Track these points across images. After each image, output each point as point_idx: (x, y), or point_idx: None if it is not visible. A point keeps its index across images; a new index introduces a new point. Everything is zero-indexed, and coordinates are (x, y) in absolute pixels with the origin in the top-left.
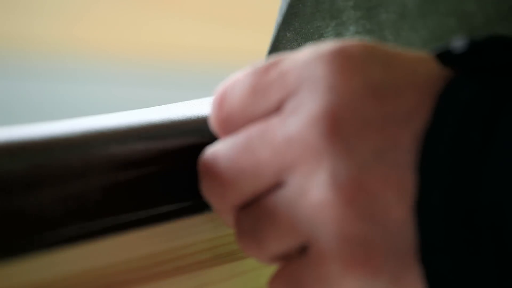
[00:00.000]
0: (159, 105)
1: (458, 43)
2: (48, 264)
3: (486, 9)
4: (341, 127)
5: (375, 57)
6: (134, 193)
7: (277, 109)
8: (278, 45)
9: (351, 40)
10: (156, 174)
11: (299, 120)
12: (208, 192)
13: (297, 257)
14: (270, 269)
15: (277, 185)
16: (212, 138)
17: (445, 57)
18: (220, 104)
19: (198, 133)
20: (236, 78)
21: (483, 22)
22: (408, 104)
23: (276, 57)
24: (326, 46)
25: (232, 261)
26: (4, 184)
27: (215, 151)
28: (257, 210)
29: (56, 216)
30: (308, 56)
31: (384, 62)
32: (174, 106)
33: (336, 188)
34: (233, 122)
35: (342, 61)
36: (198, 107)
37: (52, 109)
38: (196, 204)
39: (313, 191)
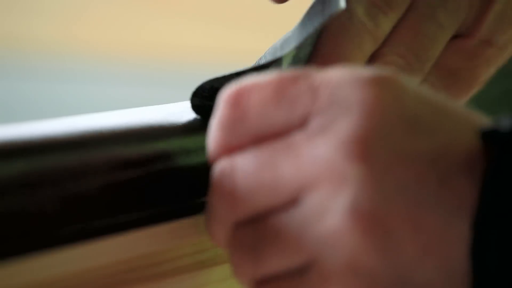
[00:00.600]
0: (159, 105)
1: (505, 121)
2: (48, 264)
3: None
4: (371, 154)
5: (413, 89)
6: (134, 193)
7: (301, 123)
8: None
9: (389, 70)
10: (156, 174)
11: (329, 140)
12: (217, 201)
13: (294, 274)
14: None
15: (292, 202)
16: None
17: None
18: (236, 103)
19: (198, 132)
20: (256, 82)
21: None
22: (438, 144)
23: (304, 69)
24: (363, 71)
25: None
26: (4, 184)
27: (234, 161)
28: (262, 226)
29: (56, 216)
30: (343, 76)
31: (420, 96)
32: (173, 106)
33: (355, 217)
34: (247, 125)
35: (381, 89)
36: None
37: (52, 109)
38: (196, 204)
39: (330, 214)
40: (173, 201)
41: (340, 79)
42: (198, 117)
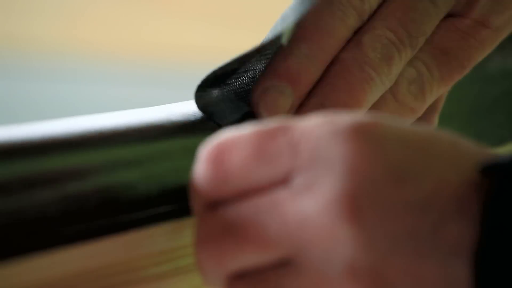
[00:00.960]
0: (159, 105)
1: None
2: (48, 264)
3: None
4: (361, 213)
5: (394, 137)
6: (134, 193)
7: (284, 180)
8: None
9: (368, 116)
10: (156, 174)
11: (315, 201)
12: (202, 256)
13: None
14: None
15: (282, 263)
16: (209, 136)
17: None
18: (217, 162)
19: (198, 132)
20: (235, 136)
21: None
22: (426, 190)
23: (280, 120)
24: (342, 120)
25: None
26: (4, 184)
27: (217, 216)
28: (263, 285)
29: (56, 216)
30: (322, 129)
31: (403, 143)
32: (173, 106)
33: (352, 277)
34: (230, 184)
35: (362, 141)
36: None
37: (52, 109)
38: None
39: (327, 277)
40: (173, 201)
41: (320, 133)
42: (198, 117)
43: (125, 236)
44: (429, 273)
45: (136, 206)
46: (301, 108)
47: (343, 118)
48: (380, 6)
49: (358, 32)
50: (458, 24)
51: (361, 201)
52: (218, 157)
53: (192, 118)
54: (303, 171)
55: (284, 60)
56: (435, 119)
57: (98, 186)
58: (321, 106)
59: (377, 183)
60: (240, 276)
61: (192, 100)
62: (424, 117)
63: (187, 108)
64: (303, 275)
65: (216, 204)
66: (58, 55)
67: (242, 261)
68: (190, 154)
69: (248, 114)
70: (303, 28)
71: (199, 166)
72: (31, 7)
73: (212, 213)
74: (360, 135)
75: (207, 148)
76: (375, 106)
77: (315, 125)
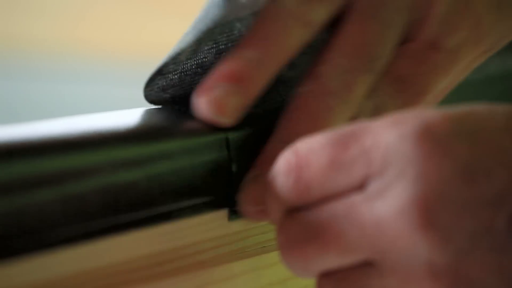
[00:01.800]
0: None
1: None
2: (48, 264)
3: None
4: (434, 216)
5: (462, 131)
6: (134, 193)
7: (359, 185)
8: None
9: (435, 113)
10: (156, 174)
11: (388, 206)
12: (290, 261)
13: None
14: (270, 270)
15: (366, 263)
16: (212, 138)
17: None
18: (297, 174)
19: (198, 132)
20: (310, 148)
21: None
22: (498, 185)
23: (352, 126)
24: (409, 122)
25: (232, 261)
26: (4, 184)
27: (297, 221)
28: (348, 284)
29: (56, 216)
30: (391, 135)
31: (471, 138)
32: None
33: (434, 278)
34: (310, 193)
35: (429, 144)
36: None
37: (52, 109)
38: (196, 205)
39: (409, 278)
40: (173, 201)
41: (389, 139)
42: (197, 117)
43: (126, 236)
44: (509, 265)
45: (136, 206)
46: (265, 146)
47: (410, 120)
48: (334, 31)
49: (316, 63)
50: (411, 49)
51: (433, 204)
52: (298, 167)
53: (192, 119)
54: (376, 177)
55: (228, 63)
56: None
57: (98, 186)
58: (286, 142)
59: (448, 185)
60: (327, 274)
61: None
62: None
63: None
64: (385, 276)
65: (295, 210)
66: (58, 55)
67: (326, 264)
68: (190, 154)
69: None
70: (247, 36)
71: (279, 175)
72: (31, 7)
73: (293, 219)
74: (427, 137)
75: (286, 158)
76: None
77: (384, 130)
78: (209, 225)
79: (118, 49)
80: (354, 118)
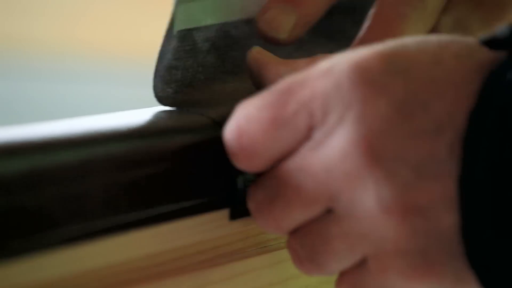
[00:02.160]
0: (159, 105)
1: (502, 29)
2: (48, 264)
3: None
4: (377, 153)
5: (394, 68)
6: (134, 193)
7: (305, 137)
8: None
9: (366, 53)
10: (156, 174)
11: (334, 150)
12: (264, 225)
13: (359, 266)
14: (270, 269)
15: (326, 211)
16: (212, 137)
17: (490, 43)
18: (239, 142)
19: (198, 132)
20: (248, 113)
21: None
22: (436, 116)
23: (286, 82)
24: (341, 65)
25: (232, 261)
26: (4, 184)
27: (260, 187)
28: (310, 237)
29: (56, 216)
30: (326, 82)
31: (404, 73)
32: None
33: (385, 212)
34: (258, 157)
35: (364, 86)
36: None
37: (52, 109)
38: (196, 205)
39: (363, 216)
40: (173, 201)
41: (325, 87)
42: (197, 117)
43: (126, 236)
44: (454, 191)
45: (136, 206)
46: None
47: (342, 65)
48: None
49: None
50: None
51: (375, 142)
52: (238, 137)
53: (190, 118)
54: (320, 126)
55: None
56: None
57: (98, 186)
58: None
59: (387, 122)
60: (294, 232)
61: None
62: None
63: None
64: (342, 220)
65: (259, 176)
66: (58, 55)
67: (294, 219)
68: (190, 154)
69: None
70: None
71: (227, 148)
72: (31, 7)
73: (258, 185)
74: (361, 79)
75: (228, 129)
76: None
77: (319, 80)
78: (209, 225)
79: (118, 49)
80: (433, 31)
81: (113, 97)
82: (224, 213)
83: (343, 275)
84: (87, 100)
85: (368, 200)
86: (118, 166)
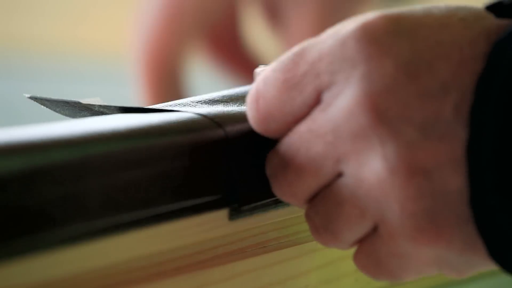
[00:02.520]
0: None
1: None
2: (48, 264)
3: None
4: (382, 112)
5: (400, 30)
6: (134, 193)
7: (316, 100)
8: None
9: (372, 15)
10: (156, 174)
11: (340, 110)
12: (279, 192)
13: (372, 235)
14: (270, 269)
15: (337, 175)
16: (211, 136)
17: (496, 9)
18: (256, 104)
19: (198, 131)
20: (265, 76)
21: None
22: (441, 77)
23: (298, 46)
24: (347, 27)
25: (232, 261)
26: (4, 184)
27: (274, 154)
28: (323, 204)
29: (56, 216)
30: (332, 43)
31: (410, 35)
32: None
33: (391, 172)
34: (273, 120)
35: (370, 45)
36: (194, 106)
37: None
38: (196, 205)
39: (370, 178)
40: (173, 201)
41: (331, 48)
42: (195, 116)
43: (126, 236)
44: (460, 151)
45: (136, 206)
46: None
47: (349, 26)
48: None
49: None
50: None
51: (380, 101)
52: (256, 100)
53: (190, 118)
54: (327, 88)
55: None
56: None
57: (98, 186)
58: None
59: (393, 81)
60: (310, 202)
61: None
62: None
63: (184, 107)
64: (351, 183)
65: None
66: (59, 55)
67: (308, 186)
68: (189, 154)
69: None
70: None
71: (248, 113)
72: (31, 7)
73: (273, 152)
74: (367, 39)
75: (249, 93)
76: None
77: (326, 41)
78: (209, 225)
79: (118, 49)
80: None
81: (113, 97)
82: (224, 213)
83: (358, 248)
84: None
85: (374, 161)
86: (118, 166)
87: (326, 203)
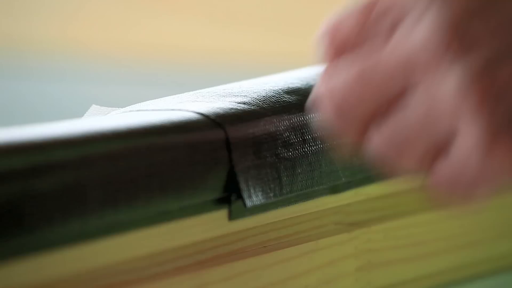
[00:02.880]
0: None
1: None
2: (48, 264)
3: None
4: (463, 30)
5: None
6: (134, 193)
7: (394, 27)
8: None
9: None
10: (156, 173)
11: (421, 33)
12: (338, 117)
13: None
14: (270, 269)
15: (405, 93)
16: (212, 137)
17: None
18: (331, 36)
19: (198, 131)
20: (341, 16)
21: None
22: None
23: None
24: None
25: (232, 261)
26: (4, 184)
27: (343, 69)
28: (390, 125)
29: (56, 215)
30: None
31: None
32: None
33: (466, 88)
34: (347, 45)
35: None
36: (194, 104)
37: (52, 109)
38: (196, 205)
39: (443, 101)
40: (173, 201)
41: None
42: (196, 115)
43: (126, 236)
44: None
45: (136, 206)
46: None
47: None
48: None
49: None
50: None
51: (462, 21)
52: (332, 31)
53: (190, 118)
54: (408, 11)
55: None
56: None
57: (98, 186)
58: None
59: (471, 6)
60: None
61: (186, 94)
62: None
63: (184, 106)
64: (422, 105)
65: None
66: (58, 55)
67: (368, 107)
68: (189, 153)
69: None
70: None
71: (322, 43)
72: (30, 7)
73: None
74: None
75: (323, 28)
76: None
77: None
78: (209, 225)
79: (117, 49)
80: None
81: (113, 97)
82: (224, 213)
83: (430, 170)
84: (87, 100)
85: (448, 82)
86: (118, 166)
87: (393, 124)
